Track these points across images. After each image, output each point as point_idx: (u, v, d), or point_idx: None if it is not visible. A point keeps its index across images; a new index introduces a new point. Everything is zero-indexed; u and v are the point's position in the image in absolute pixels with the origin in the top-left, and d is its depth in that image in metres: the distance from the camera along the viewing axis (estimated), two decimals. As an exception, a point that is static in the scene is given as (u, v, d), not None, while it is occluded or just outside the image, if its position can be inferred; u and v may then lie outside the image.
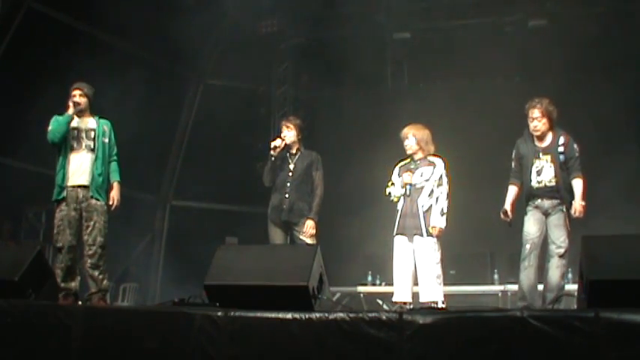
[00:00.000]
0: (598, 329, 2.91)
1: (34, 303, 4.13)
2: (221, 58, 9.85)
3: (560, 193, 5.07)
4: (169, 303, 4.10)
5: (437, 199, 5.18)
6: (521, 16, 8.57)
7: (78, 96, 5.19)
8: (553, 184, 5.09)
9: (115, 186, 5.28)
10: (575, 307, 4.11)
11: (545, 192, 5.10)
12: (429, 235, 5.10)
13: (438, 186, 5.22)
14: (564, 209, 5.06)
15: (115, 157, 5.37)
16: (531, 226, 5.11)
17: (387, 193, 5.38)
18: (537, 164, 5.16)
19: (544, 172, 5.13)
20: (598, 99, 8.68)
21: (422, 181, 5.25)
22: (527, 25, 8.53)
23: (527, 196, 5.20)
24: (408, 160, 5.44)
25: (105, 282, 5.13)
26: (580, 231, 5.70)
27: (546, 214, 5.11)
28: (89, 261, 5.04)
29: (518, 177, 5.29)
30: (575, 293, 4.03)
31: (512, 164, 5.35)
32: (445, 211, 5.17)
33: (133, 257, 9.53)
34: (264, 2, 9.10)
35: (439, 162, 5.32)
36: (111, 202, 5.22)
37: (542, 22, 8.48)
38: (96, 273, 5.04)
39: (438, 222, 5.12)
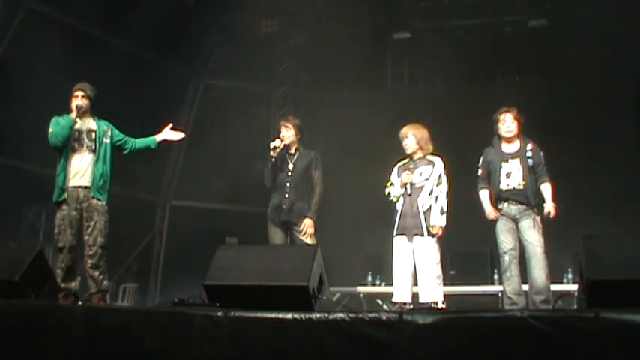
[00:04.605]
0: (598, 329, 2.91)
1: (34, 303, 4.13)
2: (221, 58, 9.86)
3: (528, 197, 5.17)
4: (169, 303, 4.10)
5: (436, 198, 5.19)
6: (521, 16, 8.57)
7: (80, 97, 5.18)
8: (521, 187, 5.20)
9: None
10: (575, 307, 4.12)
11: (514, 195, 5.20)
12: (430, 234, 5.10)
13: (437, 185, 5.22)
14: (532, 214, 5.14)
15: (132, 138, 5.46)
16: (506, 236, 5.20)
17: (387, 193, 5.38)
18: (506, 168, 5.28)
19: (513, 176, 5.24)
20: (597, 99, 8.69)
21: (422, 181, 5.24)
22: (527, 25, 8.54)
23: (496, 199, 5.30)
24: (407, 159, 5.44)
25: (105, 282, 5.12)
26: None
27: (515, 220, 5.20)
28: (89, 261, 5.04)
29: (486, 182, 5.41)
30: (575, 293, 4.04)
31: (479, 172, 5.46)
32: (445, 209, 5.17)
33: (132, 257, 9.54)
34: (264, 2, 9.11)
35: (438, 161, 5.32)
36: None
37: (542, 22, 8.50)
38: (96, 273, 5.03)
39: (438, 221, 5.12)
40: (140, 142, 5.48)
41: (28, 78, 7.09)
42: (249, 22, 9.21)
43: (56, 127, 5.10)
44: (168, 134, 5.58)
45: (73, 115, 5.13)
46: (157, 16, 8.01)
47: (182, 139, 5.71)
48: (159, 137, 5.55)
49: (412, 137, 5.37)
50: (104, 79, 5.84)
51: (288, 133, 5.73)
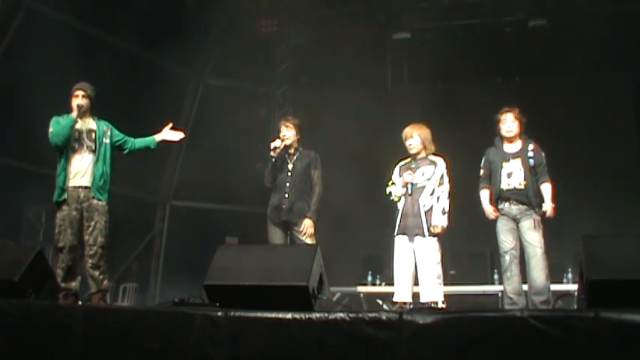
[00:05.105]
0: (598, 329, 2.91)
1: (34, 303, 4.12)
2: (221, 58, 9.86)
3: (529, 197, 5.17)
4: (169, 303, 4.10)
5: (438, 198, 5.18)
6: (521, 16, 8.57)
7: (81, 97, 5.17)
8: (522, 187, 5.21)
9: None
10: (575, 307, 4.11)
11: (514, 195, 5.20)
12: (431, 234, 5.10)
13: (439, 185, 5.21)
14: (533, 214, 5.14)
15: (131, 137, 5.45)
16: (506, 236, 5.21)
17: (388, 192, 5.37)
18: (507, 168, 5.28)
19: (514, 176, 5.25)
20: (597, 99, 8.70)
21: (423, 181, 5.24)
22: (527, 25, 8.54)
23: (496, 199, 5.31)
24: (409, 159, 5.44)
25: (105, 282, 5.12)
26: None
27: (515, 220, 5.20)
28: (90, 261, 5.03)
29: (487, 182, 5.42)
30: (575, 293, 4.04)
31: (481, 172, 5.47)
32: (447, 210, 5.16)
33: (133, 257, 9.54)
34: (264, 2, 9.11)
35: (440, 161, 5.32)
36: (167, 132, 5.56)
37: (542, 22, 8.49)
38: (96, 273, 5.03)
39: (440, 221, 5.12)
40: (140, 142, 5.48)
41: (27, 78, 7.09)
42: (249, 22, 9.21)
43: (56, 126, 5.10)
44: (168, 134, 5.58)
45: (74, 114, 5.12)
46: (157, 16, 8.01)
47: (182, 139, 5.71)
48: (158, 137, 5.55)
49: (417, 137, 5.36)
50: (104, 79, 5.85)
51: (289, 133, 5.73)
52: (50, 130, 5.09)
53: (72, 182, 5.09)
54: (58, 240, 5.06)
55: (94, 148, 5.18)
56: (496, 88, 8.97)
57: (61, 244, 5.03)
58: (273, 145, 5.62)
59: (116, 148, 5.34)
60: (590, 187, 8.04)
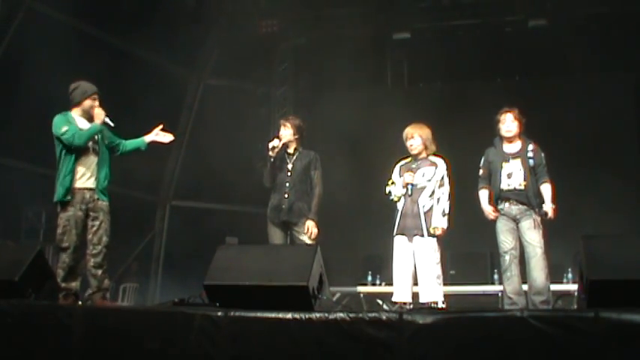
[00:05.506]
0: (598, 329, 2.91)
1: (34, 303, 4.13)
2: (221, 58, 9.87)
3: (529, 197, 5.18)
4: (169, 303, 4.10)
5: (438, 199, 5.18)
6: (521, 16, 8.58)
7: (99, 102, 5.18)
8: (522, 187, 5.21)
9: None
10: (575, 307, 4.12)
11: (515, 195, 5.21)
12: (430, 235, 5.10)
13: (439, 187, 5.21)
14: (533, 215, 5.14)
15: (122, 139, 5.43)
16: (506, 236, 5.21)
17: (388, 192, 5.37)
18: (507, 168, 5.29)
19: (514, 176, 5.25)
20: (597, 99, 8.70)
21: (424, 182, 5.23)
22: (527, 25, 8.55)
23: (496, 199, 5.31)
24: (409, 159, 5.43)
25: (106, 281, 5.12)
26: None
27: (515, 220, 5.21)
28: (93, 260, 5.03)
29: (486, 182, 5.42)
30: (575, 293, 4.04)
31: (480, 172, 5.47)
32: (447, 211, 5.16)
33: (132, 257, 9.54)
34: (264, 2, 9.12)
35: (441, 162, 5.31)
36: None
37: (542, 22, 8.50)
38: (99, 272, 5.03)
39: (440, 222, 5.11)
40: (130, 144, 5.44)
41: (27, 77, 7.09)
42: (249, 22, 9.21)
43: (70, 126, 5.06)
44: (158, 136, 5.53)
45: (99, 120, 5.11)
46: (157, 16, 8.01)
47: (171, 142, 5.64)
48: (148, 138, 5.49)
49: (418, 138, 5.35)
50: (103, 79, 5.83)
51: (285, 132, 5.72)
52: (65, 128, 4.99)
53: (78, 183, 5.08)
54: (61, 240, 5.03)
55: (97, 149, 5.19)
56: (496, 88, 8.97)
57: (66, 245, 5.01)
58: (271, 144, 5.61)
59: (110, 149, 5.35)
60: (590, 187, 8.04)
